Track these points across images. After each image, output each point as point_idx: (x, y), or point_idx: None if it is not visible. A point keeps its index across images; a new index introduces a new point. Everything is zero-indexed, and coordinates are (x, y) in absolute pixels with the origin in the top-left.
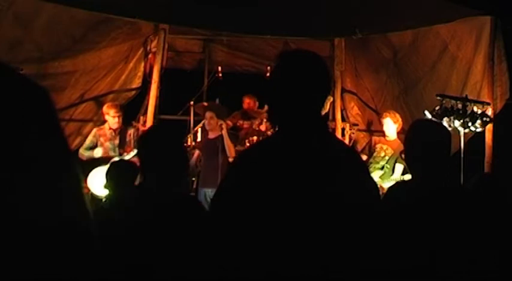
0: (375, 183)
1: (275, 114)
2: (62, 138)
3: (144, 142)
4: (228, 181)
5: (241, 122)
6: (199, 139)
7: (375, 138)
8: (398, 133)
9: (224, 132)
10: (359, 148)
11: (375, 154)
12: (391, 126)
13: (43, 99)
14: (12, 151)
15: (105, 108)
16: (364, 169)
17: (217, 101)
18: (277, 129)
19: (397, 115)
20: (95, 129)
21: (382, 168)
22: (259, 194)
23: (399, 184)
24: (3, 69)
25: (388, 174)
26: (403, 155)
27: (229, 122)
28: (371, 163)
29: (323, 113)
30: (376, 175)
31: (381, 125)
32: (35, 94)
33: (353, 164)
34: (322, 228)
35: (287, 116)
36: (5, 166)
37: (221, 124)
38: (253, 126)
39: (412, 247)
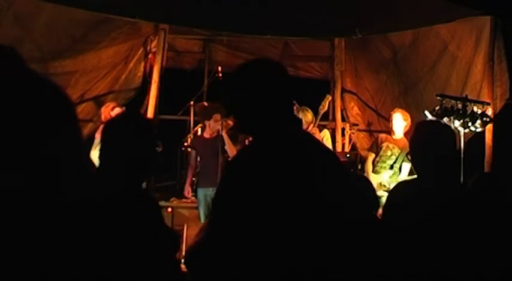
0: (353, 180)
1: (246, 124)
2: (77, 128)
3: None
4: (224, 186)
5: None
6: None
7: (381, 136)
8: (405, 133)
9: (224, 132)
10: (359, 147)
11: (381, 153)
12: (399, 123)
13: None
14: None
15: (108, 109)
16: (340, 168)
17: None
18: (253, 138)
19: (408, 115)
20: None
21: (391, 167)
22: (251, 197)
23: (403, 184)
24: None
25: (397, 174)
26: (409, 156)
27: (229, 122)
28: (378, 161)
29: (322, 112)
30: (385, 175)
31: (380, 124)
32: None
33: (329, 165)
34: (307, 228)
35: (259, 125)
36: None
37: (222, 124)
38: None
39: (416, 248)
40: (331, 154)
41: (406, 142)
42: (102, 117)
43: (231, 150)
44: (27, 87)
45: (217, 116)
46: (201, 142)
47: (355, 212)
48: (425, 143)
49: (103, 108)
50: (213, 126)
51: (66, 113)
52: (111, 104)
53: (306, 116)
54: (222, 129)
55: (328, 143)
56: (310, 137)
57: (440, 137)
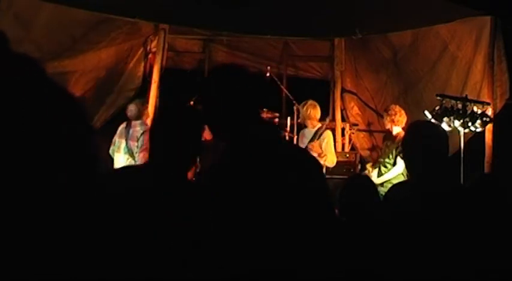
0: (324, 181)
1: (219, 131)
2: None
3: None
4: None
5: None
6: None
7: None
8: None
9: None
10: (359, 147)
11: (381, 153)
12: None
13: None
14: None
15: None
16: (312, 169)
17: None
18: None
19: (397, 118)
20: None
21: (385, 165)
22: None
23: (398, 185)
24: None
25: (388, 167)
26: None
27: None
28: (379, 163)
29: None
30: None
31: (380, 124)
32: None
33: (301, 166)
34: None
35: (232, 131)
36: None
37: None
38: None
39: (411, 250)
40: (303, 156)
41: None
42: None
43: None
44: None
45: None
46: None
47: (326, 212)
48: (418, 146)
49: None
50: (207, 131)
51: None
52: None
53: (316, 110)
54: None
55: (330, 144)
56: (282, 141)
57: (432, 139)
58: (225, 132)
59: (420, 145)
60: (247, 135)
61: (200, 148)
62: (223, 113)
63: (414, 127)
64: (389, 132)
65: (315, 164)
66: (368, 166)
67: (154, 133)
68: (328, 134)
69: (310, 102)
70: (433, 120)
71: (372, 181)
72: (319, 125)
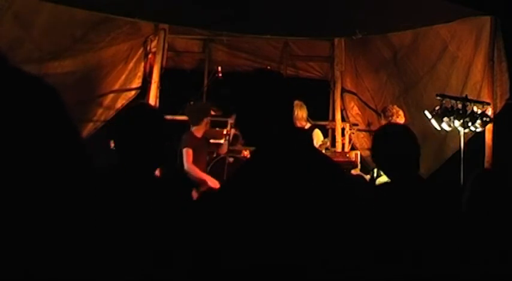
0: (352, 188)
1: (249, 135)
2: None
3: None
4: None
5: None
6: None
7: None
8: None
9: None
10: (359, 147)
11: None
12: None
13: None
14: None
15: None
16: (341, 177)
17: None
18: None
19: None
20: None
21: None
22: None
23: (383, 185)
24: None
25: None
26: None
27: None
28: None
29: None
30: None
31: (380, 124)
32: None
33: (330, 174)
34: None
35: (263, 135)
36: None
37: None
38: None
39: (392, 249)
40: (333, 166)
41: None
42: None
43: (224, 147)
44: (18, 88)
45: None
46: (194, 140)
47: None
48: (384, 152)
49: None
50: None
51: (58, 112)
52: None
53: (303, 111)
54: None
55: (317, 141)
56: (314, 150)
57: (398, 146)
58: (255, 137)
59: (389, 150)
60: (277, 141)
61: (162, 147)
62: (255, 118)
63: (381, 133)
64: None
65: (339, 174)
66: (354, 171)
67: (117, 135)
68: (317, 133)
69: (296, 102)
70: (432, 121)
71: (367, 180)
72: (309, 125)
